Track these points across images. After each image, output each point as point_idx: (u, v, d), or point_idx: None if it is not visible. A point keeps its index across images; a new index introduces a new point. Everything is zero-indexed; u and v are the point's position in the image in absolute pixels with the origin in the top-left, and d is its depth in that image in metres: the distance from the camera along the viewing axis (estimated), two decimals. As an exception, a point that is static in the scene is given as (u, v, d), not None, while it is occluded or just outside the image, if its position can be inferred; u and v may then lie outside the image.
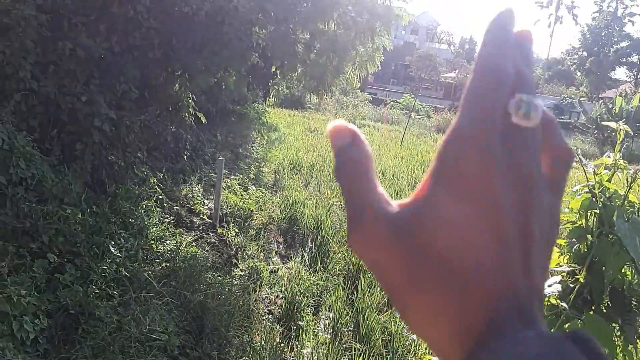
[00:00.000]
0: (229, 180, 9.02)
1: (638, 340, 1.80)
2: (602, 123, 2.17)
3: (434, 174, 0.34)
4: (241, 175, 9.81)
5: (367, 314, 5.31)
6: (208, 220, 7.48)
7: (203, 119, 8.42)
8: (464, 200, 0.32)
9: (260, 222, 7.87)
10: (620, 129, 1.80)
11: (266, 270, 6.23)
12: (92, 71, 6.90)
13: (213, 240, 6.79)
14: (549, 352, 0.28)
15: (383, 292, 5.94)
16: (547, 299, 1.74)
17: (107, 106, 6.67)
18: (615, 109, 30.47)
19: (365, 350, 4.84)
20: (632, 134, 33.02)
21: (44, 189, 5.49)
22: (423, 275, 0.32)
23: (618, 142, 1.77)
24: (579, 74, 65.79)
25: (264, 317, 5.32)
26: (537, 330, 0.30)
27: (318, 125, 22.71)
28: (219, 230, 7.09)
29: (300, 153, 13.93)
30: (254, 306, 5.34)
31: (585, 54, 63.65)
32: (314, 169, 12.27)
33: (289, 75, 8.56)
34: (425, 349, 4.84)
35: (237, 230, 7.18)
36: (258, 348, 4.56)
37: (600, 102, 36.95)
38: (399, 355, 4.88)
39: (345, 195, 0.37)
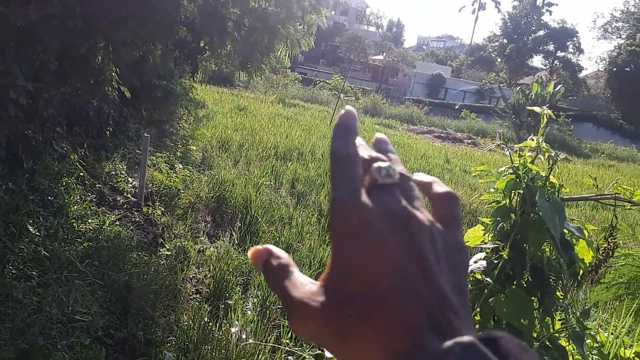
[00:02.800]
0: (154, 158, 8.78)
1: (555, 313, 1.94)
2: (529, 108, 2.29)
3: (332, 244, 0.42)
4: (167, 153, 9.57)
5: (295, 291, 5.36)
6: (132, 198, 7.27)
7: (127, 94, 8.11)
8: (360, 252, 0.39)
9: (187, 201, 7.73)
10: (544, 114, 1.91)
11: (194, 249, 6.15)
12: (7, 40, 6.46)
13: (138, 219, 6.61)
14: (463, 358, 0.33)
15: (312, 271, 6.03)
16: (472, 274, 1.84)
17: (23, 78, 6.28)
18: (531, 95, 32.02)
19: (294, 327, 4.91)
20: (546, 120, 34.89)
21: (-47, 165, 5.14)
22: (351, 330, 0.38)
23: (541, 126, 1.88)
24: (499, 60, 68.50)
25: (191, 297, 5.27)
26: (455, 339, 0.34)
27: (247, 103, 22.47)
28: (144, 209, 6.91)
29: (229, 131, 13.75)
30: (182, 286, 5.28)
31: (505, 41, 66.34)
32: (243, 148, 12.16)
33: (218, 52, 8.37)
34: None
35: (163, 209, 7.03)
36: (185, 327, 4.52)
37: (518, 88, 38.70)
38: (326, 331, 4.98)
39: (278, 295, 0.44)
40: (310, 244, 6.75)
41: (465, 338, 0.34)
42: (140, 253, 5.57)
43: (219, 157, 10.85)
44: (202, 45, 8.53)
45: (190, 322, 4.62)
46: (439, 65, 68.85)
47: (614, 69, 56.44)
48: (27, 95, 6.28)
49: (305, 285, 0.43)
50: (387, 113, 33.88)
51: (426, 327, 0.36)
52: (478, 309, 1.78)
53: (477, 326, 1.76)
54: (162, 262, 5.62)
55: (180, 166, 9.24)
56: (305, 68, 54.00)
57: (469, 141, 26.91)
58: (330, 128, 19.58)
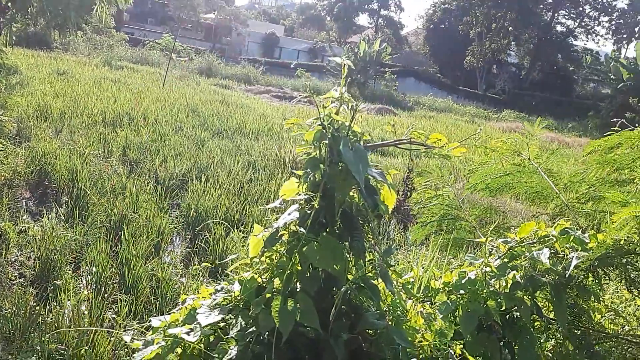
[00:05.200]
0: (-43, 133, 7.76)
1: (366, 254, 2.10)
2: (330, 58, 2.39)
3: None
4: (-27, 126, 8.51)
5: (132, 263, 5.17)
6: None
7: None
8: None
9: (2, 178, 6.99)
10: (344, 64, 2.00)
11: (13, 230, 5.61)
12: None
13: (-60, 203, 5.84)
14: None
15: (150, 240, 5.83)
16: (288, 226, 1.91)
17: None
18: (360, 53, 33.53)
19: (133, 300, 4.75)
20: (374, 76, 36.96)
21: None
22: None
23: (342, 77, 1.97)
24: (329, 19, 70.42)
25: (13, 282, 4.84)
26: None
27: (68, 67, 20.66)
28: (-51, 191, 6.12)
29: (48, 98, 12.54)
30: (1, 271, 4.81)
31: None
32: (66, 116, 11.22)
33: (24, 10, 7.52)
34: (193, 290, 4.95)
35: (-28, 190, 6.29)
36: (9, 315, 4.15)
37: (347, 46, 40.29)
38: (167, 299, 4.89)
39: None
40: (147, 213, 6.51)
41: None
42: (-55, 241, 4.96)
43: (38, 128, 9.90)
44: (5, 2, 7.58)
45: (15, 309, 4.24)
46: (272, 24, 68.95)
47: (431, 27, 61.12)
48: None
49: None
50: (223, 73, 33.34)
51: None
52: (297, 260, 1.87)
53: (296, 276, 1.85)
54: (-26, 248, 5.05)
55: (-10, 140, 8.28)
56: (132, 27, 50.74)
57: (305, 100, 27.55)
58: (163, 90, 18.79)
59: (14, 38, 10.72)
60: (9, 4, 7.89)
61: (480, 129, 2.91)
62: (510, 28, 53.61)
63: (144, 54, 33.27)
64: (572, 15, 56.70)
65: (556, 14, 56.05)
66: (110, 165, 8.51)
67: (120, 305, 4.61)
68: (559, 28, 57.32)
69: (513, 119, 36.13)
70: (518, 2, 51.36)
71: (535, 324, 2.67)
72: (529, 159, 3.42)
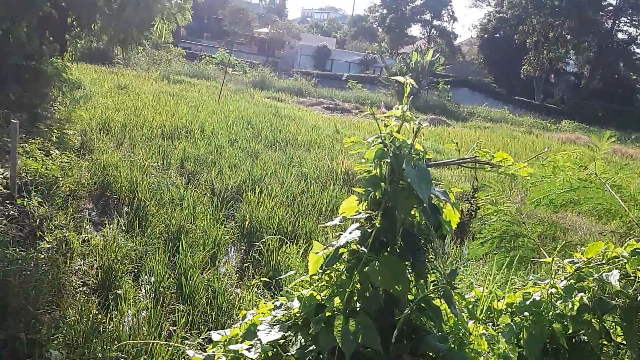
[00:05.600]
0: (26, 145, 8.15)
1: (428, 274, 2.05)
2: (392, 77, 2.37)
3: None
4: (41, 139, 8.91)
5: (189, 274, 5.27)
6: (4, 190, 6.71)
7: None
8: None
9: (67, 189, 7.28)
10: (406, 83, 1.98)
11: (77, 240, 5.82)
12: None
13: (12, 212, 6.13)
14: None
15: (206, 251, 5.93)
16: (348, 244, 1.89)
17: None
18: (412, 64, 33.31)
19: (190, 310, 4.83)
20: (427, 87, 36.60)
21: None
22: None
23: (405, 94, 1.95)
24: (380, 30, 70.36)
25: (77, 290, 5.01)
26: None
27: (128, 82, 21.42)
28: (18, 201, 6.41)
29: (109, 112, 13.04)
30: (66, 279, 4.99)
31: (385, 11, 68.11)
32: (127, 129, 11.61)
33: (89, 28, 7.87)
34: (248, 301, 5.00)
35: (40, 200, 6.57)
36: (72, 323, 4.29)
37: (399, 57, 40.09)
38: (223, 311, 4.95)
39: None
40: (204, 224, 6.63)
41: None
42: (16, 249, 5.18)
43: (100, 140, 10.28)
44: (70, 21, 7.95)
45: (78, 317, 4.39)
46: (324, 37, 69.51)
47: (485, 36, 60.06)
48: None
49: None
50: (276, 86, 33.80)
51: None
52: (357, 279, 1.84)
53: (356, 295, 1.83)
54: (42, 256, 5.27)
55: (57, 152, 8.65)
56: (189, 42, 52.23)
57: (357, 111, 27.58)
58: (218, 103, 19.20)
59: (78, 54, 11.20)
60: (74, 22, 8.25)
61: (547, 148, 2.81)
62: (569, 36, 52.05)
63: (200, 68, 34.13)
64: (634, 22, 54.53)
65: (617, 21, 54.06)
66: (168, 176, 8.74)
67: (178, 315, 4.69)
68: (620, 36, 55.25)
69: (572, 130, 34.97)
70: (577, 10, 49.85)
71: (603, 348, 2.55)
72: (595, 173, 3.29)
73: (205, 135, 12.35)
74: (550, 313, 2.32)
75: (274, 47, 58.75)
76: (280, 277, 5.28)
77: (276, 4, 76.41)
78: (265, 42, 58.96)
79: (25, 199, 6.47)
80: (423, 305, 1.88)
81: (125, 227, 6.61)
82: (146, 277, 5.44)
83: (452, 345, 1.94)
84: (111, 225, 6.56)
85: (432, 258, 1.91)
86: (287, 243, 6.26)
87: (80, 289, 5.07)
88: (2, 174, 7.02)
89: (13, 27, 7.68)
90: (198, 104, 17.55)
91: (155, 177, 8.53)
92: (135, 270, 5.59)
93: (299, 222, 7.38)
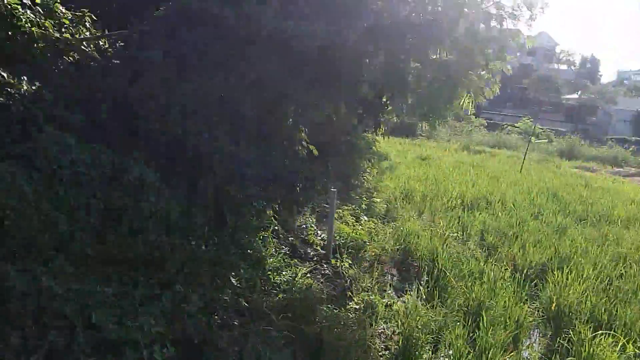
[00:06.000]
0: (341, 211, 9.07)
1: None
2: None
3: None
4: (353, 206, 9.83)
5: (490, 354, 5.01)
6: (322, 251, 7.54)
7: (315, 152, 8.59)
8: None
9: (373, 254, 7.80)
10: None
11: (381, 304, 6.12)
12: (212, 110, 7.30)
13: (327, 271, 6.82)
14: None
15: (507, 332, 5.58)
16: None
17: (226, 143, 7.00)
18: None
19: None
20: None
21: (170, 222, 5.82)
22: None
23: None
24: None
25: (380, 354, 5.21)
26: None
27: (430, 153, 22.38)
28: (333, 262, 7.11)
29: (412, 182, 13.74)
30: (370, 341, 5.24)
31: None
32: (427, 198, 12.01)
33: (399, 105, 8.51)
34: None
35: (350, 262, 7.16)
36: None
37: None
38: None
39: None
40: (505, 302, 6.30)
41: None
42: (329, 306, 5.70)
43: (403, 209, 10.83)
44: (384, 100, 8.73)
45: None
46: (645, 99, 61.82)
47: None
48: (229, 158, 6.97)
49: None
50: (587, 155, 31.19)
51: None
52: None
53: None
54: (350, 315, 5.67)
55: (365, 218, 9.41)
56: (490, 113, 52.39)
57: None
58: (520, 174, 18.52)
59: (388, 129, 12.17)
60: (388, 102, 9.01)
61: None
62: None
63: (501, 138, 33.77)
64: None
65: None
66: (468, 248, 8.65)
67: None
68: None
69: None
70: None
71: None
72: None
73: (506, 207, 11.95)
74: None
75: (584, 114, 54.66)
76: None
77: (587, 67, 71.54)
78: (573, 109, 55.37)
79: (338, 260, 7.14)
80: None
81: (425, 295, 6.70)
82: (445, 350, 5.36)
83: None
84: (412, 293, 6.74)
85: None
86: (601, 334, 5.50)
87: (382, 353, 5.25)
88: (321, 237, 7.91)
89: (336, 109, 8.78)
90: (498, 175, 17.21)
91: (455, 247, 8.52)
92: (435, 342, 5.56)
93: (616, 311, 6.42)
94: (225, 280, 5.35)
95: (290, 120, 8.20)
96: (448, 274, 7.14)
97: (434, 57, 8.35)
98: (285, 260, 6.65)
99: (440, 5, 8.35)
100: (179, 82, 7.27)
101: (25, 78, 5.78)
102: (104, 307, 3.99)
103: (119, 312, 4.07)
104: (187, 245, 5.49)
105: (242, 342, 4.52)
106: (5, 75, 5.55)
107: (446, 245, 8.34)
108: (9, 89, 5.42)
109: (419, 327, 5.54)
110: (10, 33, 6.24)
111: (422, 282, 7.18)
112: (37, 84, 5.89)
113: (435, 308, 6.12)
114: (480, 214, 10.93)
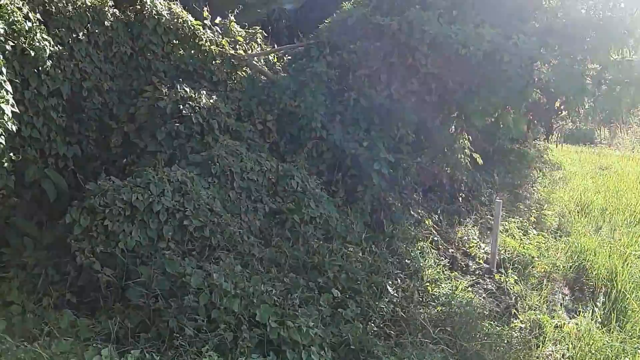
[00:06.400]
0: (506, 223, 8.58)
1: None
2: None
3: None
4: (520, 218, 9.25)
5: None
6: (484, 265, 7.19)
7: (479, 160, 8.27)
8: None
9: (542, 270, 7.24)
10: None
11: (550, 324, 5.65)
12: (373, 118, 7.39)
13: (490, 286, 6.48)
14: None
15: None
16: None
17: (385, 150, 7.03)
18: None
19: None
20: None
21: (329, 228, 5.99)
22: None
23: None
24: None
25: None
26: None
27: (611, 162, 20.33)
28: (496, 277, 6.74)
29: (589, 193, 12.55)
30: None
31: None
32: (606, 212, 10.87)
33: (574, 111, 7.83)
34: None
35: (516, 278, 6.73)
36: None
37: None
38: None
39: None
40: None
41: None
42: (492, 322, 5.41)
43: (578, 223, 9.93)
44: (557, 105, 8.10)
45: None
46: None
47: None
48: (388, 165, 6.98)
49: None
50: None
51: None
52: None
53: None
54: (515, 334, 5.33)
55: (534, 232, 8.80)
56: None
57: None
58: None
59: (562, 137, 11.31)
60: (562, 106, 8.36)
61: None
62: None
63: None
64: None
65: None
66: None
67: None
68: None
69: None
70: None
71: None
72: None
73: None
74: None
75: None
76: None
77: None
78: None
79: (503, 275, 6.75)
80: None
81: (600, 318, 6.07)
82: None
83: None
84: (585, 314, 6.14)
85: None
86: None
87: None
88: (484, 249, 7.56)
89: (503, 115, 8.36)
90: None
91: (638, 267, 7.60)
92: (612, 371, 5.01)
93: None
94: (381, 288, 5.33)
95: (453, 127, 7.98)
96: (629, 295, 6.38)
97: (616, 57, 7.57)
98: (445, 272, 6.46)
99: (622, 1, 7.59)
100: (340, 91, 7.49)
101: (204, 92, 6.37)
102: (267, 306, 4.20)
103: (281, 312, 4.25)
104: (345, 251, 5.58)
105: (398, 352, 4.46)
106: (187, 89, 6.16)
107: (627, 264, 7.47)
108: (190, 103, 5.99)
109: (593, 352, 5.03)
110: (192, 51, 6.94)
111: (597, 304, 6.50)
112: (215, 97, 6.46)
113: (612, 333, 5.51)
114: (669, 231, 9.64)
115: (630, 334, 5.62)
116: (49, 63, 5.30)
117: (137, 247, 4.49)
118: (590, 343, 5.22)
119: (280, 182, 6.11)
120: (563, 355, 5.23)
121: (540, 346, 5.20)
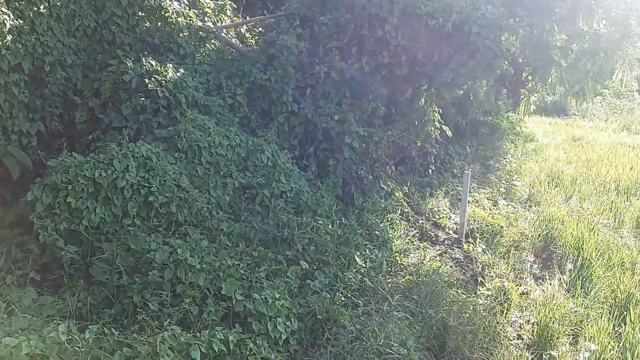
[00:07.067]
0: (477, 194, 8.70)
1: None
2: None
3: None
4: (490, 189, 9.38)
5: (637, 350, 4.53)
6: (454, 235, 7.30)
7: (449, 132, 8.31)
8: None
9: (510, 239, 7.38)
10: None
11: (516, 291, 5.78)
12: (344, 92, 7.37)
13: (458, 256, 6.59)
14: None
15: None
16: None
17: (356, 124, 7.03)
18: None
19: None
20: None
21: (300, 201, 6.01)
22: None
23: None
24: None
25: (511, 342, 4.94)
26: None
27: (583, 133, 20.60)
28: (465, 246, 6.85)
29: (560, 164, 12.74)
30: (501, 329, 4.99)
31: None
32: (577, 182, 11.06)
33: (542, 81, 7.91)
34: None
35: (484, 247, 6.85)
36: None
37: None
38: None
39: None
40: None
41: None
42: (458, 290, 5.51)
43: (548, 193, 10.10)
44: (525, 76, 8.17)
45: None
46: None
47: None
48: (359, 139, 7.00)
49: None
50: None
51: None
52: None
53: None
54: (480, 301, 5.43)
55: (504, 202, 8.93)
56: (657, 89, 46.92)
57: None
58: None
59: (533, 108, 11.42)
60: (529, 77, 8.44)
61: None
62: None
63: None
64: None
65: None
66: (620, 236, 7.85)
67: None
68: None
69: None
70: None
71: None
72: None
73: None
74: None
75: None
76: None
77: None
78: None
79: (471, 245, 6.86)
80: None
81: (566, 285, 6.22)
82: (585, 343, 4.94)
83: None
84: (552, 282, 6.28)
85: None
86: None
87: (515, 342, 4.98)
88: (454, 220, 7.66)
89: (473, 87, 8.40)
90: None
91: (605, 235, 7.78)
92: (573, 334, 5.14)
93: None
94: (350, 259, 5.39)
95: (423, 100, 8.01)
96: (594, 262, 6.54)
97: (583, 27, 7.65)
98: (414, 242, 6.54)
99: (591, -30, 7.64)
100: (311, 64, 7.44)
101: (171, 66, 6.27)
102: (234, 279, 4.21)
103: (247, 285, 4.27)
104: (315, 224, 5.61)
105: (363, 320, 4.53)
106: (153, 63, 6.06)
107: (594, 233, 7.64)
108: (156, 77, 5.90)
109: (557, 317, 5.16)
110: (159, 24, 6.81)
111: (564, 271, 6.65)
112: (182, 71, 6.37)
113: (577, 299, 5.66)
114: (637, 199, 9.86)
115: (594, 300, 5.77)
116: (9, 37, 5.14)
117: (101, 223, 4.45)
118: (555, 309, 5.34)
119: (250, 156, 6.08)
120: (528, 321, 5.35)
121: (506, 312, 5.31)
